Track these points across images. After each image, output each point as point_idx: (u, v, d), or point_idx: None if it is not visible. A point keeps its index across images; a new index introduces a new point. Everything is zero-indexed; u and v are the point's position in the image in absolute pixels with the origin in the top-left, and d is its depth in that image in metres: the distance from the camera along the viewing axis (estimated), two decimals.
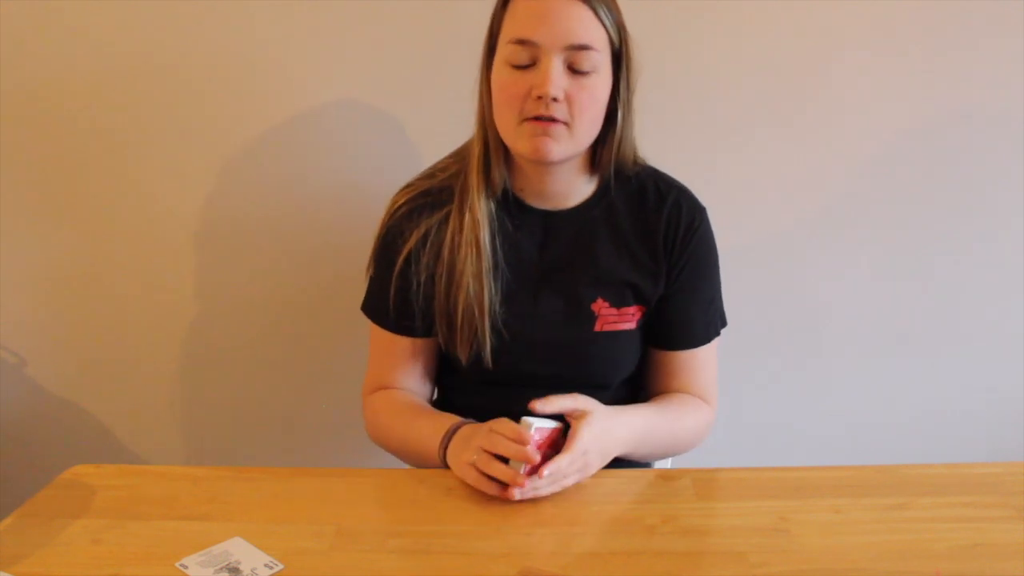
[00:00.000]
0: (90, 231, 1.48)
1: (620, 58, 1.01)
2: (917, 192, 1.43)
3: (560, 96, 0.96)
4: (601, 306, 1.07)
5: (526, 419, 0.91)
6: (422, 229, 1.07)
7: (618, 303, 1.08)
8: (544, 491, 0.91)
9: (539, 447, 0.91)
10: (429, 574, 0.81)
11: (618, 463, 0.99)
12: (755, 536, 0.85)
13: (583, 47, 0.96)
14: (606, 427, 0.95)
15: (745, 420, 1.55)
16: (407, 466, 1.14)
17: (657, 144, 1.26)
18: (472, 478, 0.93)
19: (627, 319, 1.08)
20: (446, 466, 0.99)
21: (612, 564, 0.82)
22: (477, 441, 0.93)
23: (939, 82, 1.37)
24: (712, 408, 1.12)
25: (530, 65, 0.97)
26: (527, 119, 0.98)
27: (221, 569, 0.81)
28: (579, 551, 0.84)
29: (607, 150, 1.05)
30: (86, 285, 1.51)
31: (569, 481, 0.93)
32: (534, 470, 0.90)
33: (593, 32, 0.97)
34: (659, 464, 1.27)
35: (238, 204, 1.46)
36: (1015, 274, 1.46)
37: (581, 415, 0.94)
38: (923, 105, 1.38)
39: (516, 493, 0.90)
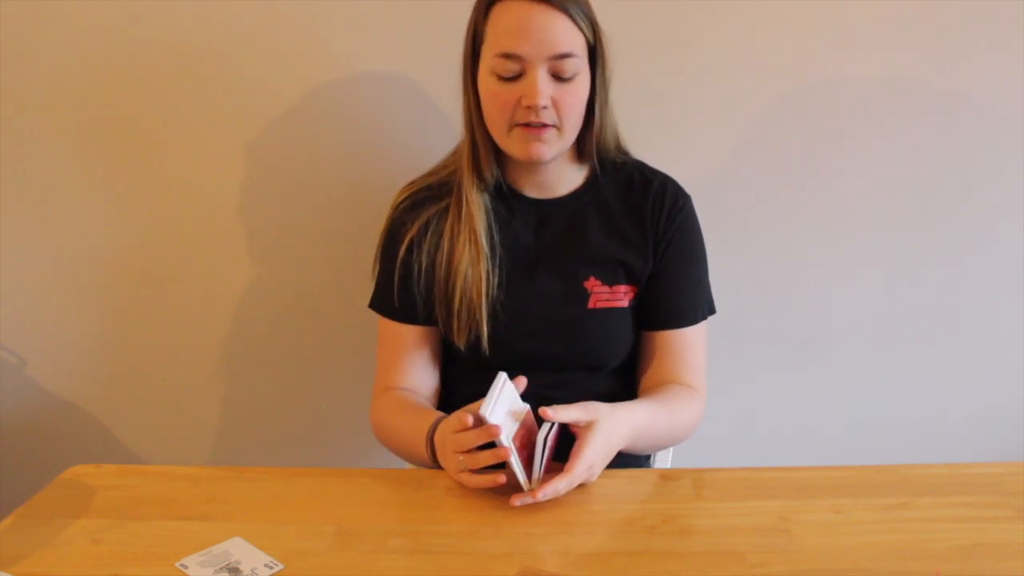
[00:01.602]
0: (90, 231, 1.48)
1: (595, 53, 1.05)
2: (918, 192, 1.42)
3: (548, 103, 1.02)
4: (594, 284, 1.11)
5: (545, 426, 0.91)
6: (423, 219, 1.13)
7: (610, 281, 1.11)
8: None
9: (551, 443, 0.92)
10: (429, 574, 0.81)
11: (617, 458, 1.00)
12: (755, 536, 0.86)
13: (565, 55, 1.01)
14: (609, 430, 0.95)
15: (745, 420, 1.55)
16: (407, 466, 1.14)
17: (655, 141, 1.27)
18: (466, 479, 0.93)
19: (619, 297, 1.12)
20: (438, 465, 1.00)
21: (612, 564, 0.82)
22: (450, 447, 0.93)
23: (941, 81, 1.37)
24: (702, 397, 1.14)
25: (517, 75, 1.02)
26: (518, 125, 1.03)
27: (221, 569, 0.81)
28: (579, 551, 0.84)
29: (589, 139, 1.11)
30: (86, 285, 1.51)
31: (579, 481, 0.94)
32: (528, 460, 0.91)
33: (573, 40, 1.01)
34: (659, 464, 1.27)
35: (239, 206, 1.46)
36: (1015, 274, 1.46)
37: (587, 426, 0.94)
38: (923, 104, 1.38)
39: (516, 501, 0.90)
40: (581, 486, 0.95)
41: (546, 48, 1.00)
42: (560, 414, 0.92)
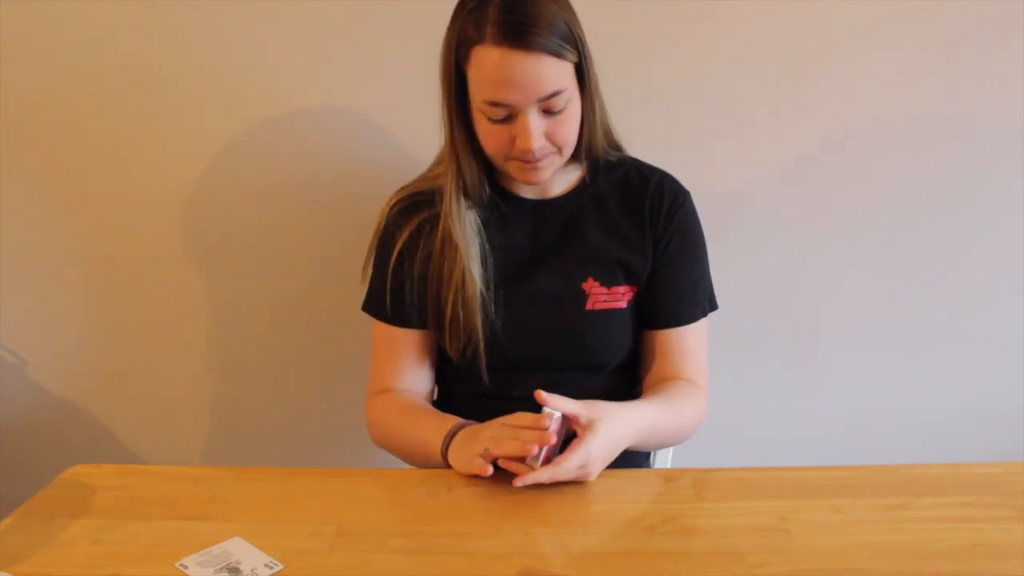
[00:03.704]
0: (90, 231, 1.48)
1: (582, 69, 1.01)
2: (917, 191, 1.42)
3: (542, 142, 1.00)
4: (592, 285, 1.10)
5: (546, 409, 0.92)
6: (414, 224, 1.11)
7: (608, 282, 1.10)
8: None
9: (557, 433, 0.92)
10: (429, 574, 0.81)
11: (618, 457, 1.00)
12: (755, 536, 0.85)
13: (554, 95, 0.98)
14: (610, 431, 0.95)
15: (745, 420, 1.55)
16: (407, 466, 1.14)
17: (656, 140, 1.27)
18: (478, 468, 0.93)
19: (617, 298, 1.11)
20: (447, 466, 1.00)
21: (612, 564, 0.82)
22: (488, 433, 0.94)
23: (939, 80, 1.37)
24: (705, 392, 1.14)
25: (508, 117, 0.99)
26: (515, 159, 1.02)
27: (221, 569, 0.81)
28: (579, 551, 0.84)
29: (581, 144, 1.08)
30: (86, 285, 1.51)
31: (566, 478, 0.94)
32: (548, 455, 0.92)
33: (560, 75, 0.98)
34: (659, 464, 1.27)
35: (240, 206, 1.46)
36: (1015, 274, 1.46)
37: (587, 425, 0.94)
38: (923, 104, 1.38)
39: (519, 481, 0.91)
40: (580, 484, 0.95)
41: (533, 93, 0.96)
42: (558, 403, 0.92)
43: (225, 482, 0.99)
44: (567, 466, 0.91)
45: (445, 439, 1.00)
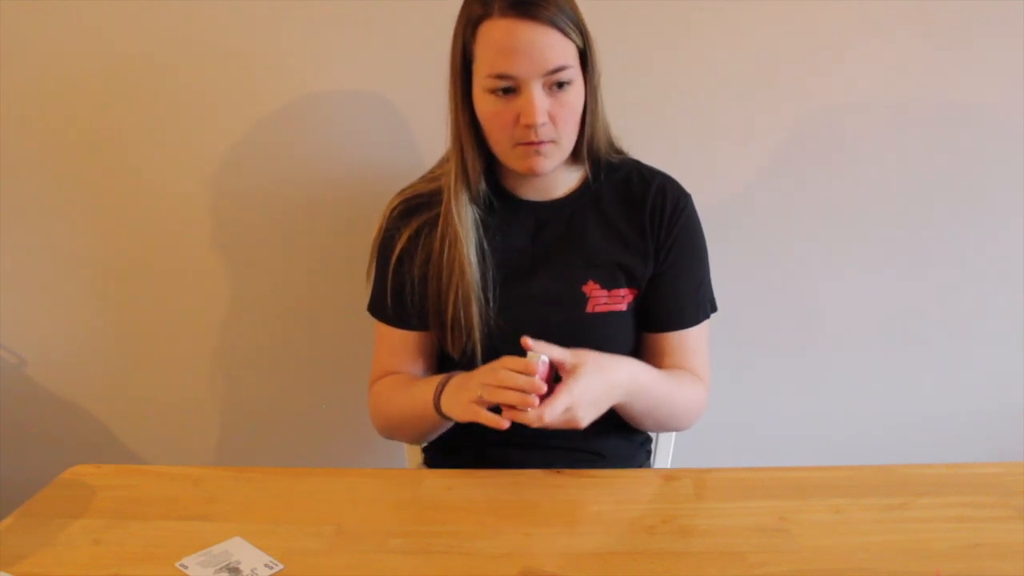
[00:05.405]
0: (90, 231, 1.48)
1: (586, 56, 1.03)
2: (918, 191, 1.42)
3: (545, 119, 1.00)
4: (592, 288, 1.10)
5: (532, 353, 0.92)
6: (413, 226, 1.12)
7: (609, 285, 1.10)
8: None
9: (544, 378, 0.92)
10: (429, 574, 0.81)
11: (619, 450, 1.00)
12: (755, 536, 0.86)
13: (559, 69, 0.99)
14: (596, 376, 0.95)
15: (745, 420, 1.55)
16: (407, 466, 1.14)
17: (654, 141, 1.26)
18: (474, 414, 0.94)
19: (618, 301, 1.11)
20: (443, 417, 1.01)
21: (612, 564, 0.82)
22: (479, 378, 0.95)
23: (941, 81, 1.37)
24: (706, 386, 1.14)
25: (512, 91, 1.00)
26: (519, 144, 1.02)
27: (221, 569, 0.81)
28: (579, 551, 0.84)
29: (582, 141, 1.08)
30: (86, 285, 1.51)
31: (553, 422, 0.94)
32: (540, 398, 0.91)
33: (564, 52, 0.99)
34: (659, 464, 1.27)
35: (240, 206, 1.46)
36: (1015, 274, 1.46)
37: (571, 370, 0.94)
38: (924, 104, 1.38)
39: (532, 415, 0.90)
40: (580, 483, 0.95)
41: (539, 66, 0.98)
42: (545, 348, 0.93)
43: (225, 482, 0.99)
44: (552, 410, 0.91)
45: (436, 390, 1.02)
